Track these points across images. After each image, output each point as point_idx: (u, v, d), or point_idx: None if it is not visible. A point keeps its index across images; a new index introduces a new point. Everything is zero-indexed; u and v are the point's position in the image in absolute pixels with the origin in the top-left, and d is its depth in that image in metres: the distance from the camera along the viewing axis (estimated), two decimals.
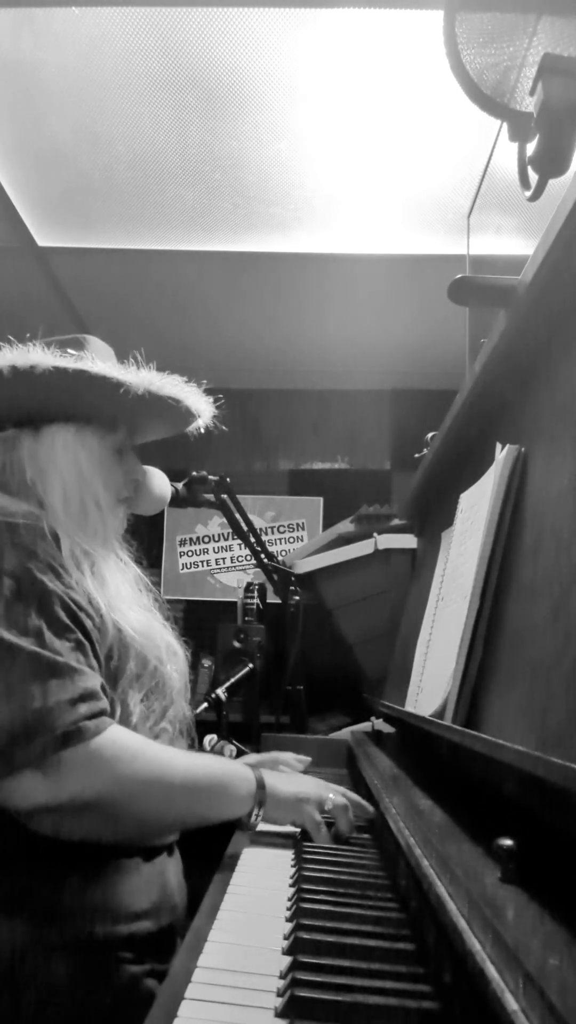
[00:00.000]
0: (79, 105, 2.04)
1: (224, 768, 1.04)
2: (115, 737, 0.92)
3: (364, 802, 1.10)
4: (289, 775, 1.11)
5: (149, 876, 1.00)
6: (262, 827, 1.07)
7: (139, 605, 1.12)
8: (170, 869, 1.06)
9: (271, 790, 1.02)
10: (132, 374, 1.09)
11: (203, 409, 1.21)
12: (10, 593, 0.93)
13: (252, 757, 1.39)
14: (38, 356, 1.05)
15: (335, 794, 1.07)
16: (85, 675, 0.92)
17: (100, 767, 0.89)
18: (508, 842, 0.59)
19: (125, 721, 1.01)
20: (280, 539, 3.66)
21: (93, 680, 0.94)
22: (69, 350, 1.09)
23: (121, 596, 1.07)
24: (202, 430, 1.26)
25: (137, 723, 1.02)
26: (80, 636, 0.96)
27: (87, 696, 0.91)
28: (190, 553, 3.68)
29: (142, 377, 1.09)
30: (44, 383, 1.04)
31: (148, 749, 0.96)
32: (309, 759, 1.44)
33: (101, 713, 0.92)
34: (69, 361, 1.05)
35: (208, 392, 1.23)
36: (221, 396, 1.24)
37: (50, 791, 0.87)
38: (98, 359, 1.08)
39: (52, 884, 0.92)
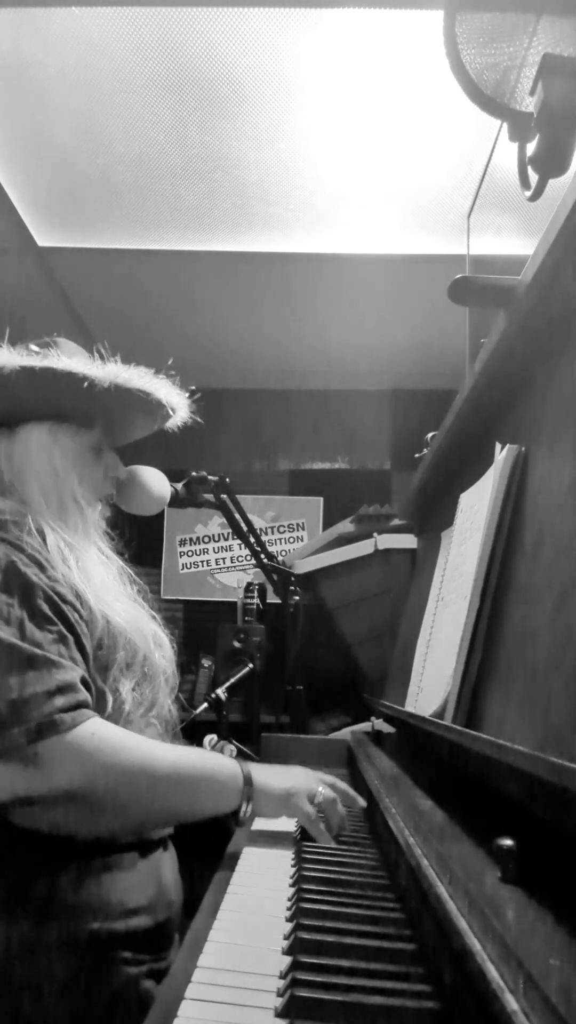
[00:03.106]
0: (79, 105, 2.04)
1: (210, 762, 1.03)
2: (95, 729, 0.92)
3: (352, 792, 1.10)
4: (278, 768, 1.10)
5: (145, 872, 1.00)
6: (262, 826, 1.07)
7: (125, 596, 1.13)
8: (166, 864, 1.06)
9: (259, 785, 1.01)
10: (98, 368, 1.09)
11: (176, 402, 1.21)
12: None
13: None
14: (5, 357, 1.06)
15: (324, 786, 1.06)
16: (64, 668, 0.93)
17: (79, 759, 0.89)
18: (508, 842, 0.59)
19: (118, 710, 1.01)
20: (280, 539, 3.66)
21: (72, 673, 0.94)
22: (34, 347, 1.10)
23: (107, 587, 1.08)
24: (179, 425, 1.26)
25: (130, 711, 1.03)
26: (63, 628, 0.96)
27: (65, 688, 0.91)
28: (190, 553, 3.68)
29: (108, 371, 1.10)
30: (13, 383, 1.05)
31: (131, 741, 0.96)
32: None
33: (79, 705, 0.92)
34: (35, 360, 1.06)
35: (207, 392, 1.24)
36: (195, 389, 1.23)
37: (29, 782, 0.88)
38: (65, 357, 1.08)
39: (48, 881, 0.92)
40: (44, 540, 1.04)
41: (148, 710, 1.07)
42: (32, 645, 0.92)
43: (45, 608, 0.96)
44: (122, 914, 0.94)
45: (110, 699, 1.01)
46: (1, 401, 1.10)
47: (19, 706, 0.87)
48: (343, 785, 1.10)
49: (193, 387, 1.23)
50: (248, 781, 1.01)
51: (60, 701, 0.90)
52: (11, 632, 0.92)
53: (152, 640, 1.11)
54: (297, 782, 1.05)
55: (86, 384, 1.07)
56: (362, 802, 1.09)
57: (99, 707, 0.99)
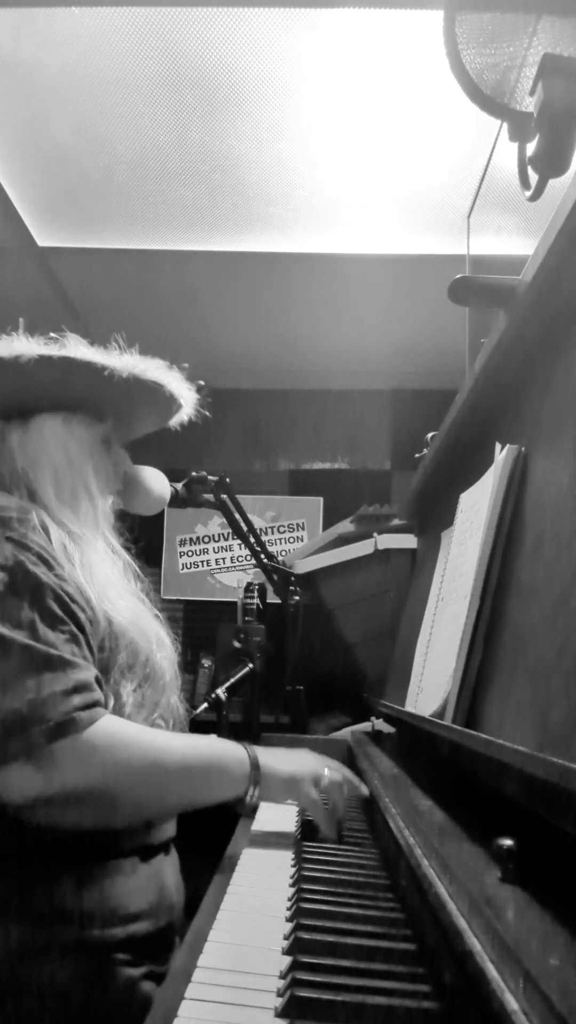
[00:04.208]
0: (79, 105, 2.04)
1: (218, 749, 1.04)
2: (108, 726, 0.93)
3: (356, 779, 1.11)
4: (284, 752, 1.11)
5: (146, 876, 1.00)
6: (262, 827, 1.07)
7: (128, 593, 1.12)
8: (167, 868, 1.06)
9: (265, 769, 1.02)
10: (115, 359, 1.10)
11: (186, 396, 1.22)
12: (3, 586, 0.93)
13: None
14: (22, 346, 1.06)
15: (330, 769, 1.07)
16: (79, 667, 0.93)
17: (94, 757, 0.90)
18: (508, 842, 0.59)
19: (119, 712, 1.01)
20: (280, 539, 3.66)
21: (87, 672, 0.94)
22: (51, 335, 1.10)
23: (111, 584, 1.07)
24: (186, 421, 1.27)
25: (131, 713, 1.03)
26: (74, 628, 0.96)
27: (80, 687, 0.91)
28: (190, 553, 3.68)
29: (125, 361, 1.10)
30: (30, 373, 1.05)
31: (143, 736, 0.96)
32: None
33: (95, 704, 0.93)
34: (53, 349, 1.06)
35: (206, 392, 1.24)
36: (203, 383, 1.24)
37: (45, 782, 0.88)
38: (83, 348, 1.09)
39: (49, 886, 0.92)
40: (48, 536, 1.03)
41: (150, 713, 1.07)
42: (46, 646, 0.91)
43: (55, 608, 0.95)
44: (123, 919, 0.94)
45: (111, 701, 1.00)
46: (17, 391, 1.10)
47: (37, 706, 0.87)
48: (348, 771, 1.11)
49: (196, 385, 1.23)
50: (255, 765, 1.02)
51: (77, 700, 0.90)
52: (23, 635, 0.91)
53: (155, 641, 1.10)
54: (303, 766, 1.06)
55: (106, 373, 1.07)
56: (365, 790, 1.09)
57: None
